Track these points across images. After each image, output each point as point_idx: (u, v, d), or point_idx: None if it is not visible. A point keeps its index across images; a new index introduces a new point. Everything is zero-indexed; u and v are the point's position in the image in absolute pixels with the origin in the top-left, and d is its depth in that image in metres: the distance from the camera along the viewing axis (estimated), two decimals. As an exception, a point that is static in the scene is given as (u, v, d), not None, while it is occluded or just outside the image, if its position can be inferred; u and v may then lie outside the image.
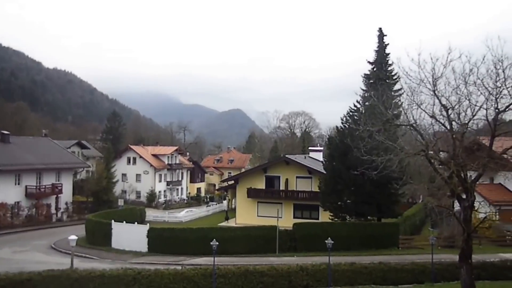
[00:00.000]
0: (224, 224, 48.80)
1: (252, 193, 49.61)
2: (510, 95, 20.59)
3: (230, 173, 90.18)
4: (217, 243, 23.43)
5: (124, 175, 71.64)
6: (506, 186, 39.72)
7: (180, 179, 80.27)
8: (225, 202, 67.81)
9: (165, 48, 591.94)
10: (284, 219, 43.09)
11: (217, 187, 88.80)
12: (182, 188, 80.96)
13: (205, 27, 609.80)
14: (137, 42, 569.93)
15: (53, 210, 51.19)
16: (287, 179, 49.15)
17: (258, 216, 48.48)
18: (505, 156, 23.50)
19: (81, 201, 57.15)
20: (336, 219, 38.08)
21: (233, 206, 57.98)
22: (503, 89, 20.50)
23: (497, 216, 38.08)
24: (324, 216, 41.47)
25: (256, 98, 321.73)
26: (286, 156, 54.38)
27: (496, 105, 20.83)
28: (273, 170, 50.89)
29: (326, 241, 25.58)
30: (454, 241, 30.83)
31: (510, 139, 23.69)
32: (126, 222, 37.41)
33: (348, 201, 37.09)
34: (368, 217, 37.61)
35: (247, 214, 49.09)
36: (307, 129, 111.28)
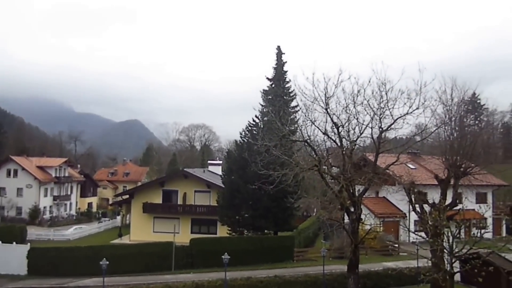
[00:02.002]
0: (117, 241, 46.28)
1: (148, 208, 47.78)
2: (391, 115, 22.43)
3: (125, 187, 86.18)
4: (108, 262, 21.93)
5: (2, 189, 64.68)
6: (389, 199, 43.21)
7: (69, 193, 74.60)
8: (118, 217, 64.40)
9: (56, 52, 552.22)
10: (181, 234, 42.08)
11: (110, 202, 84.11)
12: (71, 203, 75.27)
13: (101, 32, 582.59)
14: (19, 41, 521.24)
15: None
16: (185, 193, 48.24)
17: (154, 232, 46.74)
18: (388, 171, 25.51)
19: None
20: (234, 234, 38.08)
21: (127, 222, 55.26)
22: (386, 109, 22.29)
23: (381, 228, 41.07)
24: (222, 231, 41.27)
25: (155, 109, 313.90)
26: (185, 169, 53.47)
27: (380, 124, 22.54)
28: (171, 184, 49.66)
29: (223, 257, 25.37)
30: (344, 252, 32.44)
31: (392, 156, 25.75)
32: (3, 242, 33.57)
33: (246, 215, 37.34)
34: (265, 231, 38.21)
35: (142, 230, 47.06)
36: (207, 142, 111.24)
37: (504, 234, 47.31)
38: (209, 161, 68.28)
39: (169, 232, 36.49)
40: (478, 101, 52.71)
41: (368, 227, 30.23)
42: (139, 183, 78.48)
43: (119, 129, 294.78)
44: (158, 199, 48.74)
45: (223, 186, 40.84)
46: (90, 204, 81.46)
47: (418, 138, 26.21)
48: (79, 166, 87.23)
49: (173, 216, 46.75)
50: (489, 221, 44.76)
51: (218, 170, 56.72)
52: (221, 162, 62.49)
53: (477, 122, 47.83)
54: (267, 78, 46.78)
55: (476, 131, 30.93)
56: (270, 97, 43.81)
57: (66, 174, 74.05)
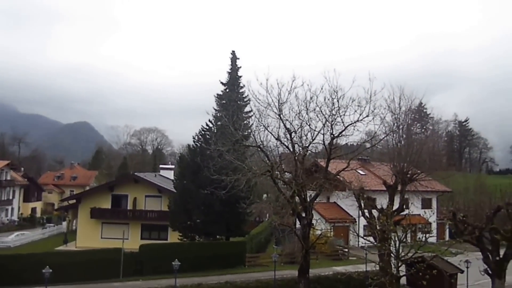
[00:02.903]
0: (62, 248, 44.27)
1: (96, 213, 46.09)
2: (343, 122, 22.89)
3: (72, 191, 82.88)
4: (51, 270, 20.86)
5: None
6: (340, 205, 44.09)
7: (10, 197, 70.64)
8: (64, 223, 61.73)
9: None
10: (131, 240, 40.86)
11: (56, 207, 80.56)
12: (13, 208, 71.32)
13: (49, 30, 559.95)
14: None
15: None
16: (135, 198, 46.96)
17: (102, 238, 45.07)
18: (338, 177, 25.98)
19: None
20: (185, 239, 37.45)
21: (74, 227, 53.05)
22: (337, 116, 22.72)
23: (332, 233, 41.79)
24: (174, 237, 40.46)
25: (106, 111, 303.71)
26: (135, 173, 52.11)
27: (331, 131, 22.94)
28: (121, 188, 48.19)
29: (173, 263, 24.85)
30: (295, 257, 32.69)
31: (343, 162, 26.26)
32: None
33: (197, 220, 36.83)
34: (217, 236, 37.86)
35: (90, 236, 45.28)
36: (159, 146, 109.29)
37: (447, 238, 49.53)
38: (161, 166, 66.92)
39: (118, 238, 35.32)
40: (424, 110, 55.03)
41: (319, 232, 30.63)
42: (87, 188, 75.73)
43: (67, 131, 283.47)
44: (107, 204, 47.13)
45: (175, 191, 40.13)
46: (34, 209, 77.54)
47: (368, 145, 26.89)
48: (22, 169, 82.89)
49: (123, 221, 45.34)
50: (434, 225, 46.79)
51: (170, 174, 55.68)
52: (173, 166, 61.38)
53: (423, 130, 49.84)
54: (221, 83, 46.73)
55: (422, 139, 32.15)
56: (224, 101, 43.75)
57: (8, 178, 70.13)
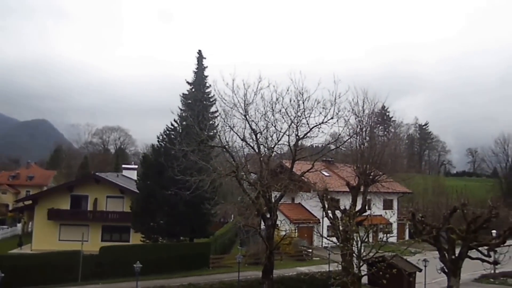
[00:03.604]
0: (16, 251, 42.48)
1: (54, 215, 44.57)
2: (308, 124, 23.12)
3: (28, 191, 79.73)
4: (3, 274, 19.98)
5: None
6: (304, 206, 44.54)
7: (-38, 198, 67.45)
8: (19, 225, 59.35)
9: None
10: (91, 242, 39.87)
11: (10, 208, 77.27)
12: (-36, 210, 68.08)
13: (7, 23, 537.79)
14: None
15: None
16: (96, 199, 45.77)
17: (59, 240, 43.68)
18: (303, 178, 26.22)
19: None
20: (148, 241, 36.80)
21: (29, 230, 51.08)
22: (303, 118, 22.93)
23: (296, 233, 42.15)
24: (136, 238, 39.67)
25: (66, 109, 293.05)
26: (96, 173, 50.77)
27: (296, 132, 23.13)
28: (81, 189, 46.86)
29: (135, 265, 24.34)
30: (259, 258, 32.74)
31: (308, 163, 26.52)
32: None
33: (161, 221, 36.27)
34: (181, 238, 37.41)
35: (47, 239, 43.74)
36: (122, 146, 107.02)
37: (407, 238, 51.00)
38: (123, 166, 65.52)
39: (77, 241, 34.31)
40: (387, 114, 56.52)
41: (283, 232, 30.81)
42: (45, 188, 73.12)
43: (24, 129, 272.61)
44: (65, 205, 45.69)
45: (137, 191, 39.36)
46: (-14, 211, 74.21)
47: (332, 147, 27.28)
48: (-26, 168, 79.27)
49: (82, 223, 44.05)
50: (394, 226, 48.11)
51: (133, 175, 54.65)
52: (136, 166, 60.26)
53: (385, 133, 51.15)
54: (187, 82, 46.25)
55: (384, 142, 32.95)
56: (190, 101, 43.30)
57: (-41, 177, 66.90)
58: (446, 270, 22.54)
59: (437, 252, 23.01)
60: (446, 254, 22.57)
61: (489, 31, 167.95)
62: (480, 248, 22.37)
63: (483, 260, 22.47)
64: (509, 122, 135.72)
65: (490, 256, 22.56)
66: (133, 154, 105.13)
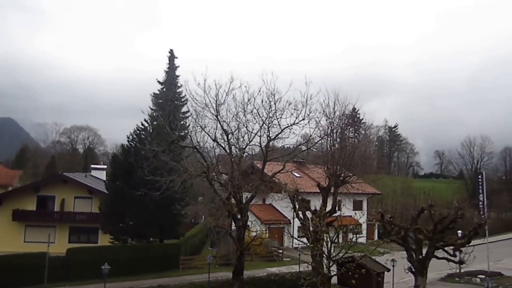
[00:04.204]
0: (-22, 253, 40.89)
1: (19, 216, 43.16)
2: (279, 125, 23.21)
3: (-7, 192, 77.05)
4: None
5: None
6: (275, 206, 44.67)
7: None
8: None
9: None
10: (58, 244, 38.73)
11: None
12: None
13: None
14: None
15: None
16: (63, 200, 44.60)
17: (25, 242, 42.29)
18: (274, 179, 26.28)
19: None
20: (117, 242, 36.12)
21: (-7, 231, 49.28)
22: (274, 119, 23.00)
23: (267, 234, 42.22)
24: (104, 240, 38.88)
25: (33, 107, 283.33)
26: (64, 173, 49.49)
27: (268, 133, 23.18)
28: (48, 189, 45.53)
29: (103, 267, 23.86)
30: (230, 259, 32.64)
31: (279, 164, 26.60)
32: None
33: (130, 222, 35.65)
34: (151, 239, 36.90)
35: (11, 240, 42.27)
36: (91, 146, 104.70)
37: (376, 238, 51.91)
38: (92, 166, 64.12)
39: (43, 242, 33.37)
40: (357, 116, 57.29)
41: (254, 233, 30.80)
42: (10, 188, 70.76)
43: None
44: (31, 205, 44.32)
45: (106, 192, 38.59)
46: None
47: (303, 148, 27.48)
48: None
49: (49, 224, 42.81)
50: (364, 226, 48.82)
51: (102, 175, 53.53)
52: (105, 166, 59.07)
53: (356, 135, 51.84)
54: (158, 82, 45.76)
55: (354, 143, 33.36)
56: (161, 101, 42.85)
57: None
58: (414, 270, 23.01)
59: (405, 252, 23.45)
60: (414, 254, 23.03)
61: (458, 36, 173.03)
62: (446, 248, 22.94)
63: (449, 260, 23.04)
64: (475, 125, 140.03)
65: (455, 256, 23.14)
66: (102, 154, 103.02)
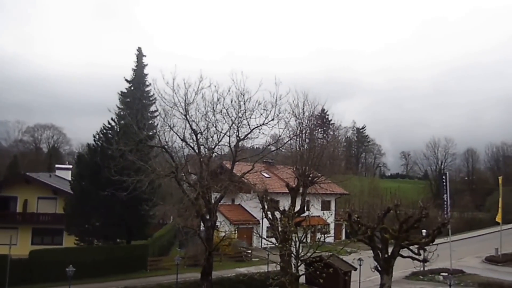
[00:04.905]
0: None
1: (-22, 217, 41.58)
2: (249, 125, 23.21)
3: (-50, 192, 73.81)
4: None
5: None
6: (244, 207, 44.66)
7: None
8: None
9: None
10: (20, 246, 37.50)
11: None
12: None
13: None
14: None
15: None
16: (26, 200, 43.24)
17: (-16, 244, 40.75)
18: (243, 179, 26.25)
19: None
20: (82, 244, 35.27)
21: (-50, 233, 47.19)
22: (244, 119, 22.98)
23: (236, 234, 42.15)
24: (69, 241, 37.90)
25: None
26: (27, 173, 47.96)
27: (237, 133, 23.13)
28: (9, 189, 44.04)
29: (67, 269, 23.22)
30: (198, 259, 32.40)
31: (248, 164, 26.59)
32: None
33: (96, 223, 34.87)
34: (118, 240, 36.21)
35: (-31, 243, 40.67)
36: (55, 145, 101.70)
37: (343, 238, 52.67)
38: (57, 165, 62.33)
39: (4, 244, 32.13)
40: (326, 117, 58.01)
41: (223, 234, 30.67)
42: (-31, 189, 68.01)
43: None
44: (-9, 206, 42.79)
45: (72, 192, 37.63)
46: None
47: (273, 148, 27.56)
48: None
49: (10, 225, 41.36)
50: (332, 226, 49.46)
51: (67, 175, 52.17)
52: (71, 166, 57.60)
53: (324, 135, 52.48)
54: (126, 80, 44.95)
55: (323, 144, 33.72)
56: (128, 99, 42.11)
57: None
58: (380, 269, 23.43)
59: (371, 251, 23.85)
60: (380, 253, 23.44)
61: (427, 44, 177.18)
62: (411, 247, 23.46)
63: (413, 258, 23.55)
64: (439, 127, 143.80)
65: (420, 254, 23.70)
66: (67, 154, 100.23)
